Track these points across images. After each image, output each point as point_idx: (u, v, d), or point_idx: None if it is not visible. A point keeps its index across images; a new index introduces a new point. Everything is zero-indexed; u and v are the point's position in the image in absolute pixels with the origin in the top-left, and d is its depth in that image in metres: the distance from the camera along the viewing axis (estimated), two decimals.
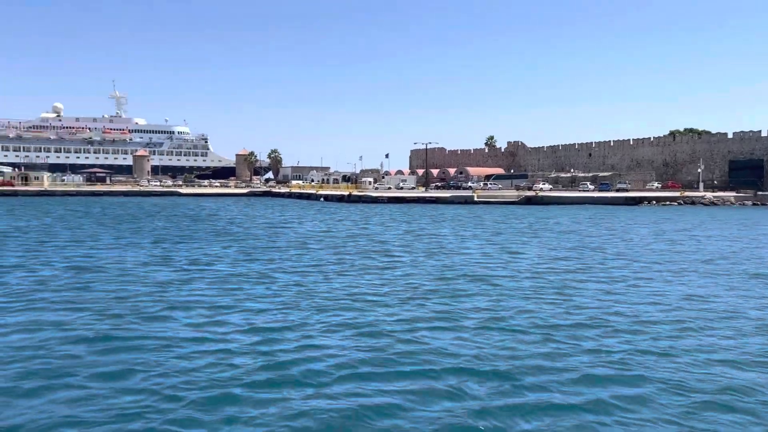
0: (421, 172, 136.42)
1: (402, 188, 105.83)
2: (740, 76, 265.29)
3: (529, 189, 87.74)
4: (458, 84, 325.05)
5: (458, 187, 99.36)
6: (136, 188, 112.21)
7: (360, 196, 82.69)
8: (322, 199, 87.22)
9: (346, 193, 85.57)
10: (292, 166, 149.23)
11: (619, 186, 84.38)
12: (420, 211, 56.72)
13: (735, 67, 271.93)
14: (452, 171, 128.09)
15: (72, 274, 17.95)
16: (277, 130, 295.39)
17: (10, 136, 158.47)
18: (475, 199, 78.13)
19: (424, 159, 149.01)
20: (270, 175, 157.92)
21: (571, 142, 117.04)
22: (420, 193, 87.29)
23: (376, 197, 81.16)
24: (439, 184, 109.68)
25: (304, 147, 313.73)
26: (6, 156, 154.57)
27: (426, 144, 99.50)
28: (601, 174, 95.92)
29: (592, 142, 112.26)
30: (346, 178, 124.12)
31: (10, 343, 10.55)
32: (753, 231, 35.15)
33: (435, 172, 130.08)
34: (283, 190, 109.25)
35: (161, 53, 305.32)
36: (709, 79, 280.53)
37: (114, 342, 10.61)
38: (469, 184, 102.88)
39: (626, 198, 74.62)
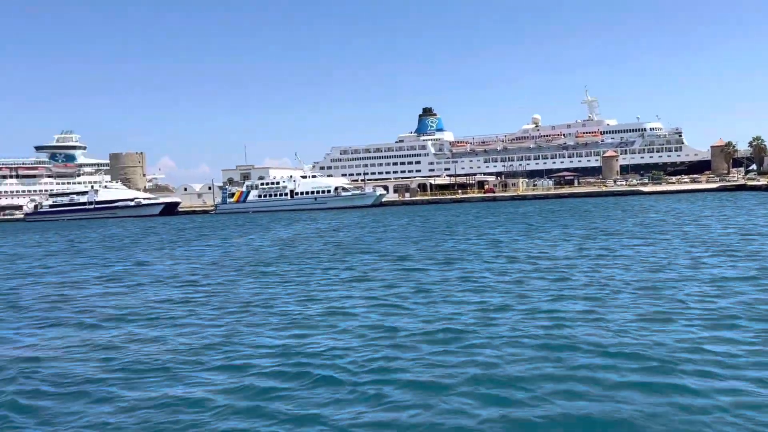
0: None
1: None
2: None
3: None
4: None
5: None
6: (600, 188, 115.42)
7: None
8: None
9: None
10: None
11: None
12: None
13: None
14: None
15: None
16: (762, 115, 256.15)
17: (498, 148, 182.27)
18: None
19: None
20: (754, 166, 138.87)
21: None
22: None
23: None
24: None
25: None
26: (495, 166, 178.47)
27: None
28: None
29: None
30: None
31: None
32: None
33: None
34: (762, 182, 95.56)
35: (630, 51, 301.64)
36: None
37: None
38: None
39: None
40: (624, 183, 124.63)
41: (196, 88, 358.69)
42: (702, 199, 73.03)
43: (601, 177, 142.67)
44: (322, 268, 23.67)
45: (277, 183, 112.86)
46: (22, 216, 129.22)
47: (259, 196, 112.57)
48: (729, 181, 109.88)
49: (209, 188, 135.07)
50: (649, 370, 9.28)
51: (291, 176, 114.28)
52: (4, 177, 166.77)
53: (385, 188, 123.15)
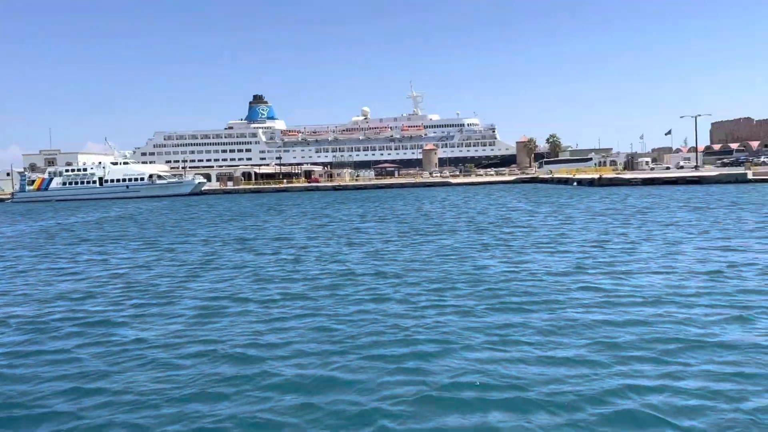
0: (717, 147, 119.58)
1: (683, 167, 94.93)
2: None
3: None
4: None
5: (738, 164, 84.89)
6: (416, 180, 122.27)
7: (611, 179, 77.19)
8: (575, 183, 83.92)
9: (596, 176, 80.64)
10: (570, 150, 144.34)
11: None
12: (638, 193, 51.10)
13: None
14: (755, 145, 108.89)
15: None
16: (557, 114, 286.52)
17: (329, 138, 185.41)
18: (750, 177, 66.42)
19: (727, 133, 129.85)
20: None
21: None
22: (679, 173, 77.40)
23: (629, 179, 74.77)
24: (726, 160, 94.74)
25: (585, 129, 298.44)
26: (326, 156, 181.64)
27: (695, 117, 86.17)
28: None
29: None
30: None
31: None
32: None
33: (734, 146, 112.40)
34: (547, 176, 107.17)
35: (451, 48, 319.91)
36: None
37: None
38: (763, 159, 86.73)
39: None
40: (438, 174, 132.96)
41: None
42: (489, 189, 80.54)
43: (419, 169, 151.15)
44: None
45: (85, 170, 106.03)
46: None
47: (64, 183, 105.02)
48: (527, 173, 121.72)
49: (8, 174, 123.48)
50: None
51: (100, 162, 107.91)
52: None
53: (207, 176, 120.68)
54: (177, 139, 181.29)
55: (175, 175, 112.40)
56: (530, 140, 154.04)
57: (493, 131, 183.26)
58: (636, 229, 24.20)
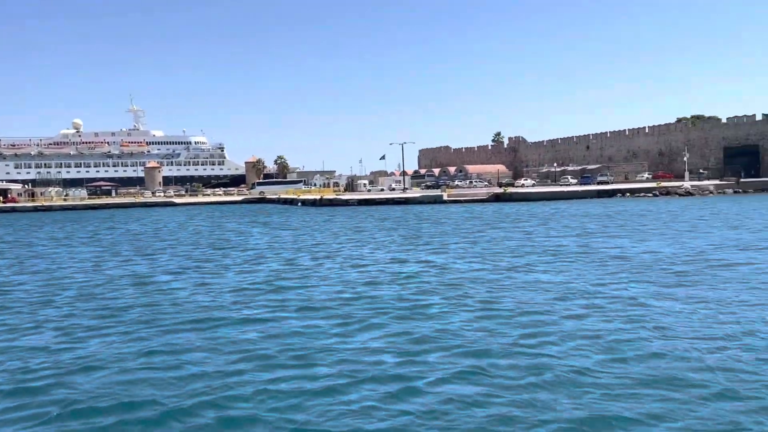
0: (423, 171, 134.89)
1: (394, 189, 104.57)
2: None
3: (508, 186, 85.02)
4: (464, 79, 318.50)
5: (437, 187, 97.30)
6: (136, 199, 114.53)
7: (331, 200, 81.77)
8: (299, 204, 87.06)
9: (318, 197, 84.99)
10: (297, 171, 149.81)
11: (599, 179, 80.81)
12: (349, 213, 55.29)
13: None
14: (452, 170, 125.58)
15: None
16: (285, 136, 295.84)
17: (32, 153, 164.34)
18: (445, 198, 76.12)
19: (431, 159, 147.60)
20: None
21: (570, 135, 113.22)
22: (390, 194, 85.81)
23: (347, 200, 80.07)
24: (429, 183, 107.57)
25: (311, 152, 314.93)
26: (29, 173, 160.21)
27: (402, 144, 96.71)
28: (589, 167, 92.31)
29: (589, 135, 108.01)
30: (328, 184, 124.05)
31: None
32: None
33: (437, 171, 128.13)
34: (274, 196, 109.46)
35: (175, 65, 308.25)
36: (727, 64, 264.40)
37: None
38: (457, 182, 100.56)
39: (599, 191, 71.56)
40: (162, 194, 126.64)
41: None
42: (215, 209, 79.45)
43: (141, 188, 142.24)
44: None
45: None
46: None
47: None
48: (252, 194, 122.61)
49: None
50: None
51: None
52: None
53: None
54: None
55: None
56: (259, 161, 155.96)
57: (222, 150, 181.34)
58: (329, 245, 25.98)
